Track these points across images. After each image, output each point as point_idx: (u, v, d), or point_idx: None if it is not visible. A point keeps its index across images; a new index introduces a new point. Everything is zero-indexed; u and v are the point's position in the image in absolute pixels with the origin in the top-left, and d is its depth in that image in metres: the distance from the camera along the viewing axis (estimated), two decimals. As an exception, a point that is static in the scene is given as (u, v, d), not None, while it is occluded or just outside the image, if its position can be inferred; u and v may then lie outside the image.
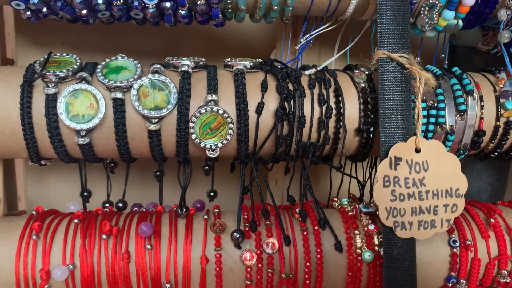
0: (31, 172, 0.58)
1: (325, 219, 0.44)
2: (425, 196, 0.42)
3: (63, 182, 0.59)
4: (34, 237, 0.40)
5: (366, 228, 0.44)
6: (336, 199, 0.49)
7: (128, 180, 0.51)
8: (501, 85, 0.46)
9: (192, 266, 0.41)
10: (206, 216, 0.44)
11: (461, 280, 0.44)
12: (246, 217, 0.44)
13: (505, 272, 0.44)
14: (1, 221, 0.43)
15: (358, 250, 0.43)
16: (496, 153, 0.47)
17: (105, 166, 0.50)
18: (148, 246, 0.41)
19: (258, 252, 0.42)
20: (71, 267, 0.40)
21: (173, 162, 0.52)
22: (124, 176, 0.51)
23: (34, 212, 0.43)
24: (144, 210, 0.46)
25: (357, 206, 0.46)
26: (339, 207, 0.47)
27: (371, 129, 0.43)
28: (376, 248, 0.43)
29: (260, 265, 0.42)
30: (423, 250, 0.44)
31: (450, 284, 0.45)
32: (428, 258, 0.44)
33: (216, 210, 0.45)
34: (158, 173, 0.51)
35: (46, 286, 0.39)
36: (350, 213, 0.45)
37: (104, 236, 0.41)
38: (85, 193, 0.50)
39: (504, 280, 0.44)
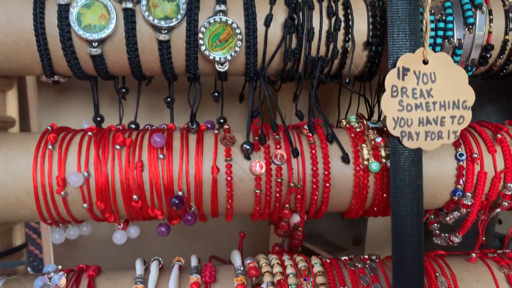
0: (43, 96, 0.59)
1: (332, 133, 0.45)
2: (432, 107, 0.42)
3: (75, 108, 0.60)
4: (49, 147, 0.42)
5: (373, 142, 0.44)
6: (344, 120, 0.49)
7: (139, 108, 0.52)
8: (510, 0, 0.46)
9: (204, 175, 0.42)
10: (216, 131, 0.45)
11: (467, 193, 0.45)
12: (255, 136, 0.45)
13: (511, 185, 0.45)
14: (17, 135, 0.44)
15: (365, 162, 0.44)
16: (504, 71, 0.48)
17: (117, 90, 0.51)
18: (161, 156, 0.42)
19: (267, 163, 0.43)
20: (86, 174, 0.41)
21: (184, 88, 0.53)
22: (135, 105, 0.52)
23: (49, 127, 0.44)
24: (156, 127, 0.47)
25: (364, 122, 0.46)
26: (347, 125, 0.47)
27: (380, 43, 0.44)
28: (383, 160, 0.44)
29: (269, 175, 0.43)
30: (429, 163, 0.45)
31: (456, 198, 0.45)
32: (434, 171, 0.45)
33: (226, 126, 0.46)
34: (169, 99, 0.51)
35: (62, 193, 0.41)
36: (358, 129, 0.46)
37: (117, 147, 0.42)
38: (98, 118, 0.51)
39: (510, 193, 0.45)
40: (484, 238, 0.51)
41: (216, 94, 0.53)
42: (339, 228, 0.74)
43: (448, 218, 0.48)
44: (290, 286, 0.43)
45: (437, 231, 0.52)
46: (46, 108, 0.60)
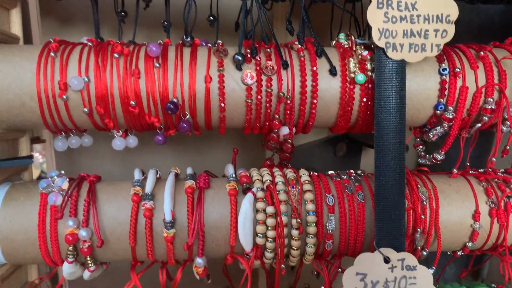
0: (46, 18, 0.61)
1: (321, 48, 0.47)
2: (417, 20, 0.44)
3: (77, 30, 0.62)
4: (52, 54, 0.44)
5: (360, 56, 0.46)
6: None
7: (137, 34, 0.54)
8: None
9: (197, 84, 0.45)
10: (210, 45, 0.47)
11: (449, 107, 0.47)
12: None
13: (491, 99, 0.47)
14: (22, 46, 0.47)
15: (352, 74, 0.46)
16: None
17: (117, 13, 0.53)
18: (157, 65, 0.44)
19: (258, 73, 0.45)
20: (86, 79, 0.43)
21: (180, 13, 0.54)
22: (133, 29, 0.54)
23: (51, 40, 0.47)
24: (152, 43, 0.49)
25: (353, 38, 0.48)
26: (336, 42, 0.49)
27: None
28: (369, 73, 0.46)
29: (259, 86, 0.45)
30: (413, 77, 0.47)
31: (439, 112, 0.48)
32: (418, 85, 0.47)
33: (220, 41, 0.48)
34: (166, 23, 0.53)
35: (64, 96, 0.43)
36: (346, 46, 0.48)
37: (116, 55, 0.44)
38: (98, 39, 0.53)
39: (490, 107, 0.47)
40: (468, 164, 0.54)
41: (211, 18, 0.55)
42: (332, 166, 0.77)
43: (431, 134, 0.50)
44: (278, 192, 0.46)
45: (422, 153, 0.54)
46: (48, 29, 0.61)
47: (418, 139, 0.54)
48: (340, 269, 0.50)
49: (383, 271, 0.45)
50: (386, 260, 0.45)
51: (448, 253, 0.53)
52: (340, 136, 0.76)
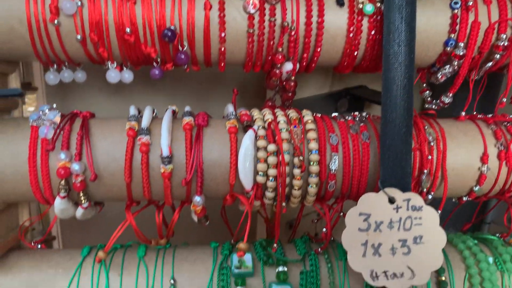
0: None
1: (328, -22, 0.44)
2: None
3: None
4: (42, -24, 0.41)
5: (368, -14, 0.44)
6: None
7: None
8: None
9: (196, 12, 0.42)
10: (210, -27, 0.45)
11: (460, 44, 0.45)
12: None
13: (504, 36, 0.45)
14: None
15: (360, 5, 0.44)
16: None
17: None
18: (153, -10, 0.42)
19: (261, 1, 0.43)
20: (79, 3, 0.41)
21: None
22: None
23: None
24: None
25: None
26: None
27: None
28: (378, 4, 0.44)
29: (262, 15, 0.43)
30: (423, 11, 0.45)
31: (449, 48, 0.46)
32: (428, 20, 0.45)
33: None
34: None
35: (55, 21, 0.41)
36: (354, -23, 0.46)
37: (110, -21, 0.42)
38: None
39: (502, 43, 0.45)
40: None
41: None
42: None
43: (439, 75, 0.48)
44: (280, 130, 0.44)
45: (429, 98, 0.52)
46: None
47: (424, 84, 0.52)
48: (342, 213, 0.49)
49: (387, 211, 0.44)
50: (391, 200, 0.44)
51: (453, 200, 0.52)
52: (342, 92, 0.74)
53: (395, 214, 0.44)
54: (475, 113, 0.52)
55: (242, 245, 0.43)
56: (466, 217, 0.61)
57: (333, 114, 0.49)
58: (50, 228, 0.48)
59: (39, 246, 0.50)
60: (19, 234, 0.49)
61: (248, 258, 0.46)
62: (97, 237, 0.53)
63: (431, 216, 0.44)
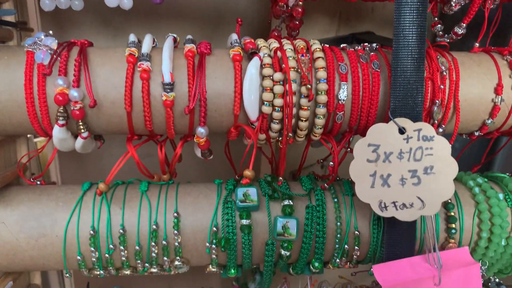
0: None
1: None
2: None
3: None
4: None
5: None
6: None
7: None
8: None
9: None
10: None
11: (477, -34, 0.43)
12: None
13: (524, -43, 0.42)
14: None
15: None
16: None
17: None
18: None
19: None
20: None
21: None
22: None
23: None
24: None
25: None
26: None
27: None
28: None
29: None
30: None
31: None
32: None
33: None
34: None
35: None
36: None
37: None
38: None
39: (522, -35, 0.43)
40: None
41: None
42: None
43: (453, 3, 0.46)
44: (288, 58, 0.42)
45: (440, 32, 0.50)
46: None
47: (435, 18, 0.50)
48: (349, 149, 0.48)
49: (397, 142, 0.42)
50: (401, 131, 0.42)
51: (464, 136, 0.50)
52: (349, 37, 0.71)
53: (405, 144, 0.42)
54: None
55: (247, 171, 0.41)
56: (475, 160, 0.60)
57: (342, 45, 0.47)
58: (50, 162, 0.47)
59: (38, 182, 0.48)
60: (18, 169, 0.48)
61: (253, 191, 0.45)
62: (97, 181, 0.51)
63: (443, 146, 0.42)
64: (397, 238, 0.45)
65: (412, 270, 0.44)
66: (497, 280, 0.55)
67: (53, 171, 0.60)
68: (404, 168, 0.42)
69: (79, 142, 0.43)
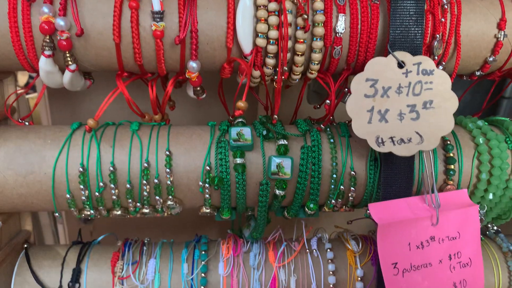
0: None
1: None
2: None
3: None
4: None
5: None
6: None
7: None
8: None
9: None
10: None
11: None
12: None
13: None
14: None
15: None
16: None
17: None
18: None
19: None
20: None
21: None
22: None
23: None
24: None
25: None
26: None
27: None
28: None
29: None
30: None
31: None
32: None
33: None
34: None
35: None
36: None
37: None
38: None
39: None
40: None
41: None
42: None
43: None
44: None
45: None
46: None
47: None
48: (346, 89, 0.46)
49: (396, 76, 0.41)
50: (400, 65, 0.41)
51: (465, 78, 0.49)
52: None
53: (404, 78, 0.41)
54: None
55: (240, 103, 0.40)
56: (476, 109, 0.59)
57: (340, -20, 0.45)
58: (39, 100, 0.46)
59: (26, 123, 0.47)
60: (5, 109, 0.47)
61: (247, 131, 0.44)
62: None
63: (443, 80, 0.41)
64: (394, 178, 0.44)
65: (409, 210, 0.43)
66: (495, 228, 0.54)
67: (44, 116, 0.58)
68: (403, 103, 0.41)
69: (67, 76, 0.42)
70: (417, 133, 0.41)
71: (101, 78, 0.49)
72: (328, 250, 0.50)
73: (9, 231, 0.49)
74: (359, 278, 0.49)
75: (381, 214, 0.42)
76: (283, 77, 0.43)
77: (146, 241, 0.51)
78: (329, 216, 0.72)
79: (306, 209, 0.46)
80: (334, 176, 0.45)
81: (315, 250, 0.50)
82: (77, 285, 0.47)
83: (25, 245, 0.49)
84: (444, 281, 0.44)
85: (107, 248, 0.50)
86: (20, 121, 0.47)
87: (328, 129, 0.47)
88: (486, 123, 0.48)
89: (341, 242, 0.52)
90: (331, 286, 0.48)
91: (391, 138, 0.41)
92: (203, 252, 0.49)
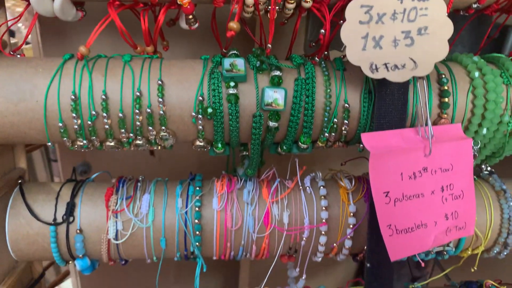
0: None
1: None
2: None
3: None
4: None
5: None
6: None
7: None
8: None
9: None
10: None
11: None
12: None
13: None
14: None
15: None
16: None
17: None
18: None
19: None
20: None
21: None
22: None
23: None
24: None
25: None
26: None
27: None
28: None
29: None
30: None
31: None
32: None
33: None
34: None
35: None
36: None
37: None
38: None
39: None
40: None
41: None
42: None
43: None
44: None
45: None
46: None
47: None
48: (341, 21, 0.45)
49: (391, 2, 0.40)
50: (396, -9, 0.40)
51: (462, 12, 0.48)
52: None
53: (399, 4, 0.40)
54: None
55: (232, 23, 0.39)
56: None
57: None
58: (30, 29, 0.45)
59: (18, 55, 0.47)
60: (-4, 41, 0.46)
61: (240, 62, 0.44)
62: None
63: (438, 6, 0.40)
64: (388, 109, 0.44)
65: (402, 140, 0.43)
66: (489, 168, 0.54)
67: (36, 50, 0.58)
68: (397, 29, 0.41)
69: (57, 2, 0.41)
70: (411, 59, 0.41)
71: (93, 12, 0.48)
72: (321, 187, 0.50)
73: (3, 166, 0.49)
74: (351, 214, 0.49)
75: (373, 143, 0.42)
76: (277, 7, 0.43)
77: (140, 179, 0.51)
78: (323, 161, 0.73)
79: (300, 143, 0.46)
80: (328, 108, 0.45)
81: (308, 187, 0.50)
82: (71, 218, 0.47)
83: (19, 181, 0.49)
84: (436, 212, 0.44)
85: (101, 184, 0.50)
86: (11, 53, 0.46)
87: (322, 62, 0.46)
88: (482, 60, 0.48)
89: (334, 181, 0.53)
90: (324, 220, 0.49)
91: (385, 64, 0.41)
92: (197, 188, 0.49)
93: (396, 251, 0.42)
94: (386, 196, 0.42)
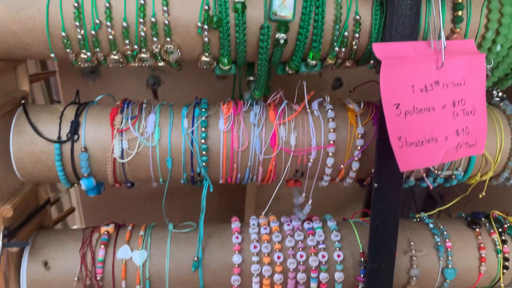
0: None
1: None
2: None
3: None
4: None
5: None
6: None
7: None
8: None
9: None
10: None
11: None
12: None
13: None
14: None
15: None
16: None
17: None
18: None
19: None
20: None
21: None
22: None
23: None
24: None
25: None
26: None
27: None
28: None
29: None
30: None
31: None
32: None
33: None
34: None
35: None
36: None
37: None
38: None
39: None
40: None
41: None
42: None
43: None
44: None
45: None
46: None
47: None
48: None
49: None
50: None
51: None
52: None
53: None
54: None
55: None
56: None
57: None
58: None
59: None
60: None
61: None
62: None
63: None
64: (400, 21, 0.42)
65: (414, 52, 0.42)
66: (500, 94, 0.53)
67: None
68: None
69: None
70: (426, -39, 0.39)
71: None
72: (329, 110, 0.50)
73: (5, 85, 0.48)
74: (359, 136, 0.48)
75: (385, 52, 0.41)
76: None
77: (145, 101, 0.50)
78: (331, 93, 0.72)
79: (309, 59, 0.45)
80: (338, 21, 0.43)
81: (316, 110, 0.50)
82: (75, 136, 0.47)
83: (23, 101, 0.48)
84: (447, 127, 0.43)
85: (106, 106, 0.49)
86: None
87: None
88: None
89: (343, 105, 0.52)
90: (331, 142, 0.48)
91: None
92: (203, 110, 0.49)
93: (406, 163, 0.41)
94: (397, 108, 0.41)
